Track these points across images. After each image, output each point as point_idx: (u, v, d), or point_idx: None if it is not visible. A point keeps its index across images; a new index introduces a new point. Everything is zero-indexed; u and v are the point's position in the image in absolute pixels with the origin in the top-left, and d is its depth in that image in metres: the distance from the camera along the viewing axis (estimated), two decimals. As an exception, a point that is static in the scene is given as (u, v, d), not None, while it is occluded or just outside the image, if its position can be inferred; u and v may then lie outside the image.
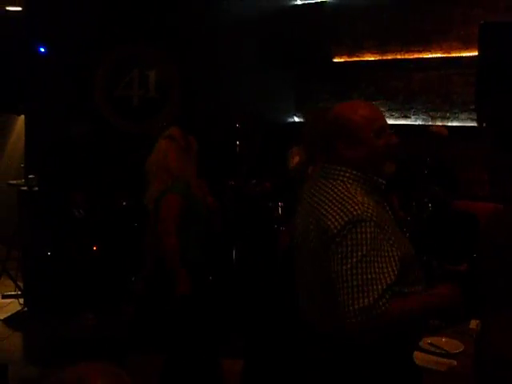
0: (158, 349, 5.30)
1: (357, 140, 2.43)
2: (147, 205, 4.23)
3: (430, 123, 6.91)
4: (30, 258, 6.77)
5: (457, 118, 6.94)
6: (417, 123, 7.08)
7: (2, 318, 6.48)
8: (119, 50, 7.14)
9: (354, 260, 2.19)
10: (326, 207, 2.32)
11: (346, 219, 2.23)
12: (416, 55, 7.21)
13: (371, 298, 2.15)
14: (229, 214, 5.94)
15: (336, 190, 2.36)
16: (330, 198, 2.34)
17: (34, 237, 6.67)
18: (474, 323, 3.34)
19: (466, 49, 6.77)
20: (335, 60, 7.90)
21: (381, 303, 2.15)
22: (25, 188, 6.72)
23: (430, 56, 7.10)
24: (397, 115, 7.40)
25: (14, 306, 6.76)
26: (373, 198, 2.36)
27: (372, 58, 7.59)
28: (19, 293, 6.86)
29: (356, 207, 2.26)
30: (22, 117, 7.57)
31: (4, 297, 6.91)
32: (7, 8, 7.56)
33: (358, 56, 7.72)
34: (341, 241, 2.22)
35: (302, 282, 2.55)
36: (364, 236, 2.21)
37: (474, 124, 6.80)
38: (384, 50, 7.48)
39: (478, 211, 6.49)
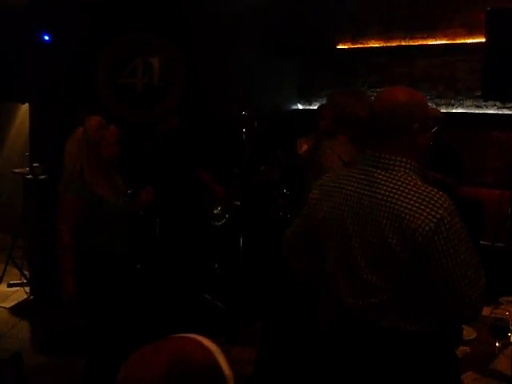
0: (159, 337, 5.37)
1: (427, 126, 2.42)
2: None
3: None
4: (35, 247, 6.77)
5: (461, 105, 6.94)
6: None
7: (8, 306, 6.49)
8: (123, 38, 7.10)
9: (463, 250, 2.24)
10: (409, 205, 2.26)
11: (439, 216, 2.21)
12: (420, 42, 7.21)
13: (482, 281, 2.28)
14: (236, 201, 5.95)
15: (406, 185, 2.31)
16: (406, 195, 2.28)
17: (40, 225, 6.66)
18: (484, 310, 3.35)
19: (471, 35, 6.77)
20: (339, 47, 7.90)
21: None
22: (30, 176, 6.71)
23: (434, 43, 7.09)
24: (401, 102, 7.39)
25: (19, 294, 6.76)
26: None
27: (376, 45, 7.58)
28: (25, 281, 6.87)
29: (440, 201, 2.24)
30: (25, 105, 7.55)
31: (10, 285, 6.92)
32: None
33: (361, 43, 7.72)
34: (440, 238, 2.21)
35: (347, 274, 2.48)
36: (459, 226, 2.25)
37: (479, 111, 6.80)
38: (388, 37, 7.47)
39: (484, 198, 6.55)
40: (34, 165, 6.67)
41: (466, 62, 6.81)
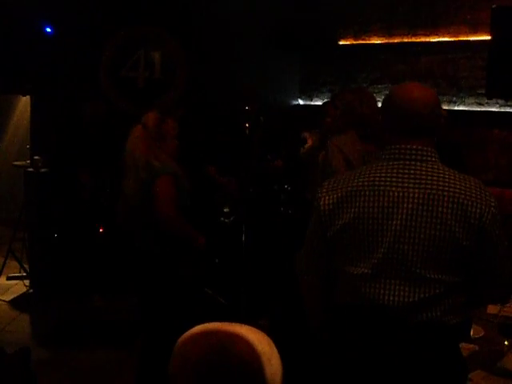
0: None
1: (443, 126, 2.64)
2: (126, 195, 4.18)
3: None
4: (36, 240, 6.75)
5: (463, 103, 6.93)
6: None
7: (7, 299, 6.47)
8: (125, 31, 7.08)
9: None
10: (468, 193, 2.32)
11: (493, 201, 2.36)
12: (423, 39, 7.18)
13: None
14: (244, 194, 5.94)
15: (452, 173, 2.39)
16: (460, 183, 2.35)
17: (41, 218, 6.64)
18: (492, 308, 3.36)
19: (474, 33, 6.75)
20: (341, 43, 7.86)
21: None
22: (31, 169, 6.68)
23: (437, 40, 7.07)
24: (403, 99, 7.38)
25: (19, 287, 6.75)
26: None
27: (378, 42, 7.55)
28: (24, 274, 6.85)
29: (485, 188, 2.39)
30: (25, 97, 7.53)
31: (9, 278, 6.91)
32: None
33: (364, 39, 7.69)
34: (497, 221, 2.36)
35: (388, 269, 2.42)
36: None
37: (481, 108, 6.80)
38: (391, 34, 7.45)
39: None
40: (35, 157, 6.65)
41: (469, 60, 6.79)
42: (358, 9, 7.61)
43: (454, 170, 2.41)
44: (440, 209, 2.31)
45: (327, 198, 2.50)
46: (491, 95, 5.66)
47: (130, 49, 7.08)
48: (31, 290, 6.68)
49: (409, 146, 2.41)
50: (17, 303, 6.41)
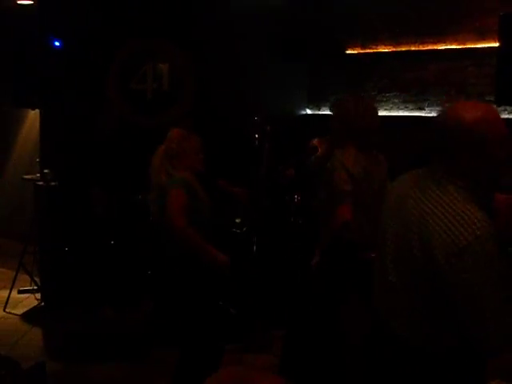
0: (179, 342, 5.36)
1: (483, 153, 2.26)
2: (152, 210, 4.25)
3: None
4: (46, 253, 6.76)
5: (472, 110, 6.91)
6: (431, 115, 7.04)
7: (19, 313, 6.48)
8: (133, 44, 7.10)
9: (487, 283, 2.15)
10: (441, 223, 2.20)
11: (465, 243, 2.12)
12: (431, 47, 7.17)
13: (508, 319, 2.21)
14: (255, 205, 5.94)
15: (448, 201, 2.25)
16: (443, 211, 2.22)
17: (51, 232, 6.65)
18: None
19: (482, 40, 6.74)
20: (348, 52, 7.87)
21: None
22: (41, 183, 6.69)
23: (444, 47, 7.07)
24: (411, 107, 7.38)
25: (30, 301, 6.76)
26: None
27: (386, 50, 7.55)
28: (35, 288, 6.85)
29: (474, 227, 2.14)
30: (33, 111, 7.54)
31: (20, 291, 6.91)
32: (18, 2, 7.54)
33: (371, 48, 7.69)
34: (463, 266, 2.13)
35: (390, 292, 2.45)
36: (488, 257, 2.14)
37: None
38: (398, 42, 7.45)
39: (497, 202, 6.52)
40: (45, 171, 6.66)
41: (477, 67, 6.78)
42: (366, 18, 7.62)
43: (464, 203, 2.22)
44: (412, 227, 2.30)
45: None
46: (500, 102, 5.63)
47: (138, 61, 7.09)
48: (42, 304, 6.69)
49: (438, 168, 2.36)
50: (28, 317, 6.41)
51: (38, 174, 6.88)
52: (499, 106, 6.08)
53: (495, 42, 6.01)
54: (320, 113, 8.18)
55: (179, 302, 4.15)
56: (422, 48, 7.26)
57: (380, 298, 2.51)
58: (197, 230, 3.90)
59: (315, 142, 5.53)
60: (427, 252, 2.20)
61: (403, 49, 7.40)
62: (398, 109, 7.48)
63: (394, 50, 7.48)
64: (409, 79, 7.35)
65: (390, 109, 7.54)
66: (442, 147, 2.30)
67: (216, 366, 4.09)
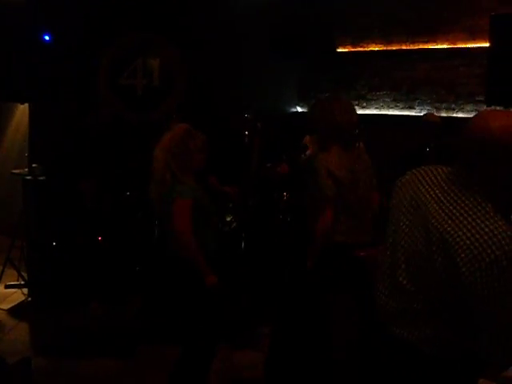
0: (167, 339, 5.35)
1: (509, 161, 2.15)
2: (152, 200, 4.19)
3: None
4: (34, 248, 6.72)
5: (462, 110, 6.94)
6: (422, 114, 7.05)
7: (6, 308, 6.43)
8: (123, 39, 7.07)
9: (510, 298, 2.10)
10: (467, 234, 2.11)
11: (493, 257, 2.05)
12: (421, 46, 7.20)
13: None
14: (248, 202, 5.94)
15: (476, 211, 2.16)
16: (470, 222, 2.13)
17: (39, 226, 6.62)
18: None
19: (473, 40, 6.78)
20: (339, 50, 7.88)
21: None
22: (29, 177, 6.66)
23: (435, 47, 7.09)
24: (401, 106, 7.40)
25: (17, 296, 6.71)
26: None
27: (376, 49, 7.57)
28: (22, 283, 6.81)
29: (503, 241, 2.06)
30: (22, 105, 7.49)
31: (7, 286, 6.86)
32: (8, -5, 7.49)
33: (362, 46, 7.70)
34: (489, 280, 2.07)
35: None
36: None
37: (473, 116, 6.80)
38: (389, 41, 7.47)
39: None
40: (33, 165, 6.63)
41: (468, 67, 6.81)
42: (356, 16, 7.63)
43: (490, 213, 2.15)
44: (433, 231, 2.20)
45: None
46: (490, 102, 5.65)
47: (128, 56, 7.07)
48: (30, 299, 6.64)
49: (463, 173, 2.28)
50: (15, 312, 6.36)
51: (27, 169, 6.84)
52: (489, 105, 6.11)
53: (486, 42, 6.03)
54: (310, 110, 8.18)
55: (182, 298, 4.13)
56: (412, 47, 7.28)
57: (385, 300, 2.45)
58: (202, 240, 3.96)
59: (307, 139, 5.54)
60: (450, 261, 2.14)
61: (394, 48, 7.43)
62: (389, 107, 7.49)
63: (385, 48, 7.50)
64: (399, 78, 7.37)
65: (381, 107, 7.55)
66: (468, 155, 2.22)
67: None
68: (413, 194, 2.39)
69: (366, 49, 7.65)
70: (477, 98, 6.71)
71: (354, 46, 7.77)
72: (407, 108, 7.36)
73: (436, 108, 7.05)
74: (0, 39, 6.53)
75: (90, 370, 5.07)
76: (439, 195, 2.26)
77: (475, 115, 2.26)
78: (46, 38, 6.63)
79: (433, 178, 2.36)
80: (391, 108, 7.47)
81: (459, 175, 2.24)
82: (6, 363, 3.12)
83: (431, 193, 2.30)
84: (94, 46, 6.78)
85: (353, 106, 4.46)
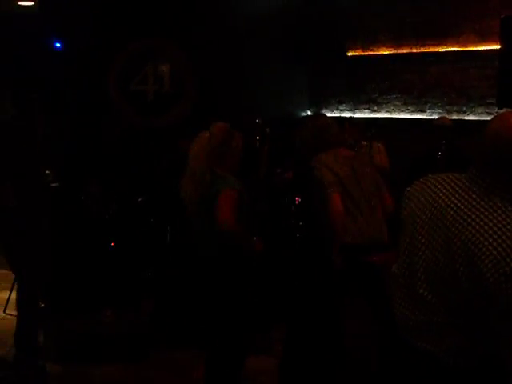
0: (180, 343, 5.35)
1: None
2: (185, 199, 4.12)
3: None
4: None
5: (473, 112, 6.92)
6: (433, 117, 7.03)
7: (18, 314, 6.45)
8: (133, 45, 7.10)
9: None
10: (490, 239, 2.04)
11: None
12: (432, 49, 7.19)
13: None
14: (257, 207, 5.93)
15: (497, 215, 2.08)
16: (492, 227, 2.06)
17: (52, 232, 6.63)
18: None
19: (483, 42, 6.76)
20: (349, 54, 7.88)
21: None
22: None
23: (445, 50, 7.07)
24: (412, 109, 7.38)
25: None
26: None
27: (387, 52, 7.56)
28: (35, 289, 6.82)
29: None
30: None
31: (20, 293, 6.88)
32: (19, 3, 7.54)
33: (372, 50, 7.70)
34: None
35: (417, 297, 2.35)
36: None
37: (491, 118, 6.77)
38: (399, 44, 7.46)
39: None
40: (46, 172, 6.64)
41: (478, 69, 6.79)
42: (366, 20, 7.62)
43: (505, 209, 2.09)
44: (455, 240, 2.14)
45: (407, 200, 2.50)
46: (502, 104, 5.63)
47: (138, 62, 7.10)
48: (42, 305, 6.65)
49: (478, 174, 2.22)
50: (28, 318, 6.37)
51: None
52: (500, 108, 6.09)
53: (497, 44, 6.02)
54: (322, 114, 8.18)
55: (218, 294, 4.10)
56: (423, 50, 7.27)
57: (405, 312, 2.39)
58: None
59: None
60: (473, 269, 2.07)
61: (404, 51, 7.42)
62: (399, 111, 7.48)
63: (395, 52, 7.49)
64: (410, 81, 7.36)
65: (391, 111, 7.54)
66: (486, 158, 2.18)
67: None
68: (427, 204, 2.32)
69: (376, 52, 7.65)
70: (488, 101, 6.68)
71: (364, 49, 7.77)
72: (418, 111, 7.34)
73: (447, 111, 7.03)
74: (13, 46, 6.58)
75: (103, 375, 5.07)
76: (456, 202, 2.20)
77: (493, 118, 2.25)
78: (58, 45, 6.67)
79: (446, 185, 2.30)
80: (402, 111, 7.46)
81: (477, 180, 2.18)
82: (21, 369, 3.12)
83: (447, 201, 2.24)
84: (104, 53, 6.81)
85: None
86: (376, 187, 4.29)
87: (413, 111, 7.38)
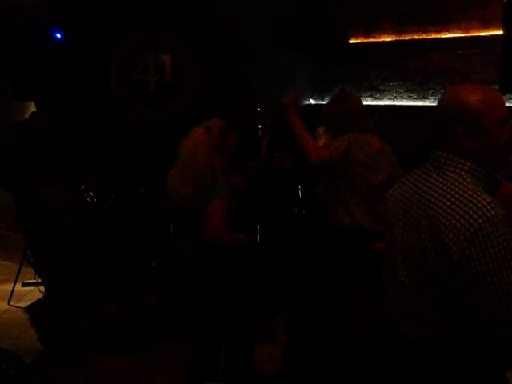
0: (184, 335, 5.35)
1: (479, 130, 2.19)
2: (171, 192, 4.06)
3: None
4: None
5: (476, 99, 6.86)
6: (435, 104, 6.97)
7: (23, 306, 6.46)
8: (134, 35, 7.08)
9: (504, 267, 2.03)
10: (448, 209, 2.12)
11: (476, 226, 2.03)
12: (434, 35, 7.14)
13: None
14: (252, 193, 5.92)
15: (454, 187, 2.18)
16: (450, 198, 2.15)
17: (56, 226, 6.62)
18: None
19: (486, 28, 6.70)
20: (351, 41, 7.83)
21: None
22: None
23: (448, 36, 7.02)
24: (415, 96, 7.34)
25: (34, 294, 6.74)
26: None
27: (389, 39, 7.51)
28: (39, 281, 6.83)
29: (483, 209, 2.05)
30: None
31: (24, 285, 6.89)
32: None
33: (374, 37, 7.65)
34: (477, 251, 2.04)
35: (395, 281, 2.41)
36: (503, 239, 2.04)
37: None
38: (401, 31, 7.41)
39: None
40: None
41: (481, 55, 6.75)
42: (368, 7, 7.57)
43: (468, 186, 2.16)
44: (421, 219, 2.22)
45: (389, 194, 2.61)
46: (505, 90, 5.59)
47: (139, 52, 7.08)
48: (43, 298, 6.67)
49: (435, 152, 2.34)
50: (32, 310, 6.39)
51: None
52: (504, 94, 6.06)
53: (499, 30, 5.97)
54: (324, 103, 8.13)
55: (217, 292, 4.09)
56: (425, 36, 7.22)
57: (391, 298, 2.45)
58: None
59: (321, 130, 5.53)
60: (439, 245, 2.13)
61: (406, 38, 7.37)
62: (402, 98, 7.44)
63: (397, 38, 7.44)
64: (412, 68, 7.31)
65: (394, 98, 7.50)
66: (441, 127, 2.27)
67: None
68: (400, 197, 2.44)
69: (377, 39, 7.60)
70: (491, 87, 6.63)
71: (365, 36, 7.72)
72: (421, 98, 7.30)
73: (450, 97, 6.98)
74: (13, 38, 6.55)
75: (108, 367, 5.08)
76: (421, 186, 2.32)
77: (446, 91, 2.34)
78: (58, 35, 6.65)
79: (415, 175, 2.42)
80: (405, 99, 7.42)
81: (436, 159, 2.30)
82: (24, 361, 3.12)
83: (414, 188, 2.36)
84: (105, 43, 6.79)
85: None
86: (393, 175, 4.27)
87: (415, 98, 7.34)
